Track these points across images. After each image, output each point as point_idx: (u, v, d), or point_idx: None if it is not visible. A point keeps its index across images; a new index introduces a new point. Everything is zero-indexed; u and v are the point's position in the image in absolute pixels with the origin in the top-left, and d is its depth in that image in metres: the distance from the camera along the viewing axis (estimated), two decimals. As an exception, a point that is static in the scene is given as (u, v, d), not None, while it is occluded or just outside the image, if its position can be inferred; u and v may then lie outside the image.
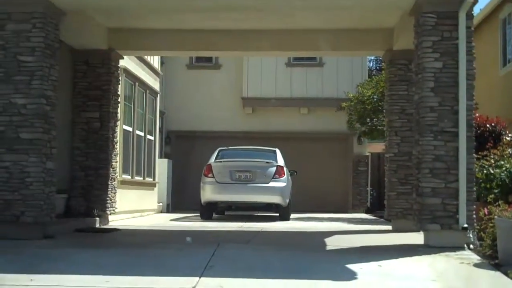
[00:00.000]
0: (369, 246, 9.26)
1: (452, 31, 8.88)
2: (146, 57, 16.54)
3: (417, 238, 9.52)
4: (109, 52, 12.41)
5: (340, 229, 12.71)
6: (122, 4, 10.49)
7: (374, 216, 18.80)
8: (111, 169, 12.41)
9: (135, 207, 15.56)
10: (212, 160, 15.91)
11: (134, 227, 12.56)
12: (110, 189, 12.37)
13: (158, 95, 18.31)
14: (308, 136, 22.53)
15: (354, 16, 11.61)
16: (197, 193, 15.93)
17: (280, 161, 15.93)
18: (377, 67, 32.52)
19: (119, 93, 12.95)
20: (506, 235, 7.00)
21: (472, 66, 8.93)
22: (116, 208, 12.73)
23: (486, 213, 8.37)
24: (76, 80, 12.39)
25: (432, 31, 8.93)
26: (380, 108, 16.63)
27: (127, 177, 14.87)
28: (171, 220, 15.28)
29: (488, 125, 12.62)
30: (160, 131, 20.14)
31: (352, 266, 6.79)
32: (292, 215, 16.33)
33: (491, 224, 7.96)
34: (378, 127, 17.31)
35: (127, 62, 14.46)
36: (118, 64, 12.91)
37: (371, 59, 33.06)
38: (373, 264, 7.01)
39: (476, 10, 18.24)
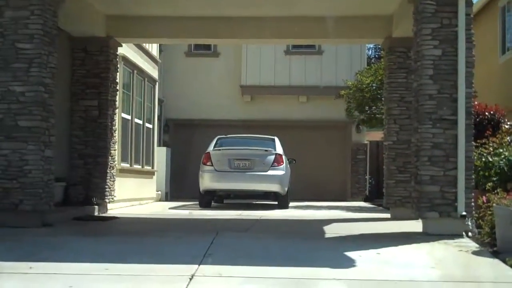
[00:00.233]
0: (368, 234, 9.27)
1: (452, 18, 8.85)
2: (144, 44, 16.50)
3: (415, 226, 9.54)
4: (107, 40, 12.39)
5: (339, 217, 12.73)
6: (121, -9, 10.47)
7: (373, 204, 18.82)
8: (109, 157, 12.41)
9: (134, 195, 15.57)
10: (210, 148, 15.90)
11: (133, 215, 12.58)
12: (108, 178, 12.38)
13: (157, 83, 18.28)
14: (307, 124, 22.52)
15: (353, 3, 11.59)
16: (196, 181, 15.94)
17: (279, 149, 15.93)
18: (376, 55, 32.48)
19: (117, 81, 12.93)
20: (505, 222, 7.01)
21: (472, 54, 8.91)
22: (114, 196, 12.74)
23: (485, 201, 8.38)
24: (74, 67, 12.38)
25: (431, 18, 8.90)
26: (379, 96, 16.62)
27: (125, 165, 14.87)
28: (169, 208, 15.30)
29: (487, 113, 12.61)
30: (159, 119, 20.12)
31: (351, 254, 6.80)
32: (291, 204, 16.35)
33: (489, 212, 7.97)
34: (377, 115, 17.30)
35: (126, 50, 14.43)
36: (117, 51, 12.89)
37: (370, 47, 33.03)
38: (371, 252, 7.03)
39: (476, -3, 18.23)
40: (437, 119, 8.81)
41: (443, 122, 8.80)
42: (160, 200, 18.68)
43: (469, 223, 8.65)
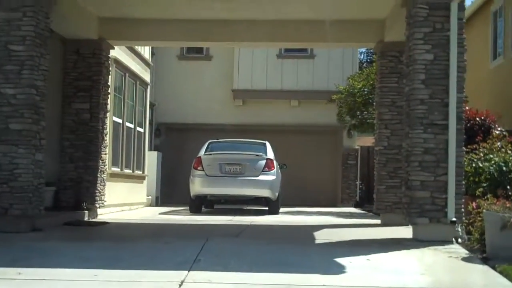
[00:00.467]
0: (358, 240, 9.27)
1: (444, 23, 8.85)
2: (136, 47, 16.46)
3: (406, 232, 9.53)
4: (100, 42, 12.35)
5: (329, 223, 12.72)
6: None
7: (363, 210, 18.82)
8: (100, 161, 12.36)
9: (124, 200, 15.51)
10: (201, 152, 15.87)
11: (123, 220, 12.52)
12: (99, 182, 12.32)
13: (149, 86, 18.24)
14: (298, 129, 22.52)
15: (346, 7, 11.62)
16: (187, 186, 15.90)
17: (270, 154, 15.91)
18: (368, 60, 32.53)
19: (109, 84, 12.89)
20: (494, 229, 7.01)
21: (463, 58, 8.92)
22: (105, 201, 12.68)
23: (475, 207, 8.38)
24: (66, 70, 12.32)
25: (423, 22, 8.90)
26: (370, 101, 16.64)
27: (116, 169, 14.82)
28: (160, 213, 15.25)
29: (477, 119, 12.65)
30: (150, 123, 20.06)
31: (341, 260, 6.80)
32: (282, 209, 16.33)
33: (479, 218, 7.97)
34: (368, 120, 17.31)
35: (118, 53, 14.39)
36: (109, 54, 12.85)
37: (362, 52, 33.08)
38: (362, 258, 7.02)
39: (468, 2, 18.31)
40: (428, 124, 8.81)
41: (434, 127, 8.80)
42: (150, 205, 18.62)
43: (459, 229, 8.66)
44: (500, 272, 6.16)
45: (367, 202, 20.44)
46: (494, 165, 9.79)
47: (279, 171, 16.17)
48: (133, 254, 7.32)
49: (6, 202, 8.77)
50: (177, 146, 22.33)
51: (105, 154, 12.69)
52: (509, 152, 10.32)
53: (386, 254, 7.48)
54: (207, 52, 23.21)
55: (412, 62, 9.01)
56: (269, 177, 15.37)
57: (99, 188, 12.31)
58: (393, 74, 12.14)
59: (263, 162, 15.46)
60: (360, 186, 22.44)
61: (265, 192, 15.32)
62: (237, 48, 21.53)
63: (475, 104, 13.87)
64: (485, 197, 8.46)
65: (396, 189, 11.58)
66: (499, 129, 12.52)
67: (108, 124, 13.02)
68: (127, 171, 15.76)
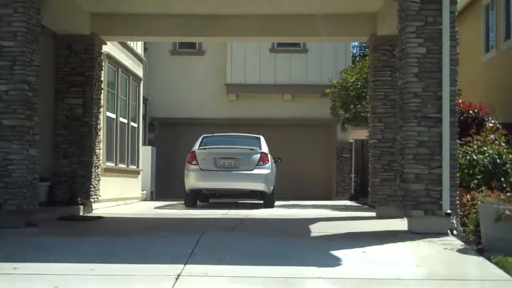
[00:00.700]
0: (354, 233, 9.29)
1: (436, 16, 8.86)
2: (129, 43, 16.44)
3: (401, 224, 9.57)
4: (92, 38, 12.32)
5: (324, 216, 12.75)
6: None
7: (358, 203, 18.87)
8: (94, 156, 12.35)
9: (119, 195, 15.51)
10: (196, 147, 15.87)
11: (118, 215, 12.53)
12: (93, 177, 12.32)
13: (142, 81, 18.22)
14: (292, 123, 22.53)
15: (338, 1, 11.63)
16: (181, 181, 15.90)
17: (264, 148, 15.93)
18: (361, 53, 32.53)
19: (102, 79, 12.87)
20: (489, 220, 7.04)
21: (456, 52, 8.93)
22: (99, 196, 12.68)
23: (469, 199, 8.41)
24: (58, 65, 12.30)
25: (416, 16, 8.91)
26: (364, 94, 16.65)
27: (110, 164, 14.81)
28: (155, 208, 15.25)
29: (471, 111, 12.67)
30: (144, 118, 20.05)
31: (337, 253, 6.81)
32: (277, 202, 16.36)
33: (474, 210, 8.00)
34: (362, 113, 17.32)
35: (110, 48, 14.36)
36: (101, 49, 12.82)
37: (354, 45, 33.03)
38: (357, 250, 7.04)
39: (460, -4, 18.27)
40: (422, 117, 8.82)
41: (428, 120, 8.82)
42: (145, 200, 18.62)
43: (454, 221, 8.69)
44: (496, 263, 6.19)
45: (362, 195, 20.50)
46: (488, 158, 9.83)
47: (274, 165, 16.19)
48: (129, 248, 7.32)
49: (0, 197, 8.75)
50: (171, 140, 22.32)
51: (99, 149, 12.68)
52: (503, 144, 10.36)
53: (382, 246, 7.50)
54: (200, 47, 23.19)
55: (404, 56, 9.02)
56: (264, 170, 15.38)
57: (93, 183, 12.31)
58: (386, 67, 12.16)
59: (258, 156, 15.48)
60: (355, 179, 22.49)
61: (260, 186, 15.34)
62: (230, 42, 21.51)
63: (468, 97, 13.89)
64: (480, 189, 8.50)
65: (391, 182, 11.61)
66: (492, 121, 12.55)
67: (101, 119, 13.01)
68: (121, 165, 15.75)
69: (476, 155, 10.04)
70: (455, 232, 8.56)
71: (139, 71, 17.79)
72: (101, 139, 12.99)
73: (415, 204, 8.71)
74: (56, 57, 12.30)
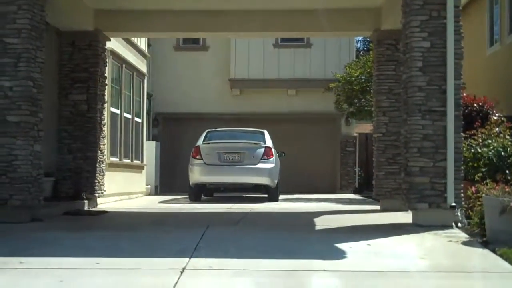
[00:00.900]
0: (358, 226, 9.30)
1: (440, 10, 8.86)
2: (133, 39, 16.44)
3: (405, 217, 9.58)
4: (96, 34, 12.33)
5: (329, 209, 12.76)
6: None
7: (362, 196, 18.87)
8: (99, 151, 12.37)
9: (123, 189, 15.54)
10: (200, 141, 15.88)
11: (123, 209, 12.56)
12: (98, 172, 12.34)
13: (146, 77, 18.23)
14: (296, 118, 22.52)
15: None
16: (185, 175, 15.92)
17: (268, 142, 15.93)
18: (365, 48, 32.48)
19: (106, 75, 12.88)
20: (494, 213, 7.04)
21: (460, 46, 8.92)
22: (104, 190, 12.71)
23: (474, 191, 8.41)
24: (62, 62, 12.31)
25: (420, 10, 8.90)
26: (368, 88, 16.63)
27: (115, 159, 14.83)
28: (159, 202, 15.27)
29: (475, 105, 12.64)
30: (148, 114, 20.08)
31: (341, 246, 6.82)
32: (281, 196, 16.37)
33: (478, 203, 8.00)
34: (366, 107, 17.31)
35: (114, 44, 14.37)
36: (105, 46, 12.84)
37: (358, 40, 33.00)
38: (362, 243, 7.05)
39: (463, -11, 18.23)
40: (426, 111, 8.83)
41: (432, 113, 8.82)
42: (149, 194, 18.65)
43: (459, 214, 8.69)
44: (500, 255, 6.19)
45: (366, 188, 20.48)
46: (492, 151, 9.82)
47: (278, 159, 16.20)
48: (134, 243, 7.34)
49: (5, 193, 8.79)
50: (175, 135, 22.34)
51: (104, 144, 12.71)
52: (508, 137, 10.35)
53: (386, 239, 7.51)
54: (204, 43, 23.18)
55: (409, 50, 9.01)
56: (268, 165, 15.39)
57: (98, 178, 12.33)
58: (390, 62, 12.14)
59: (262, 150, 15.48)
60: (359, 173, 22.48)
61: (264, 180, 15.36)
62: (233, 38, 21.51)
63: (472, 91, 13.86)
64: (484, 182, 8.48)
65: (395, 175, 11.61)
66: (497, 115, 12.53)
67: (106, 115, 13.02)
68: (125, 161, 15.77)
69: (480, 148, 10.03)
70: (459, 224, 8.57)
71: (143, 67, 17.80)
72: (106, 134, 13.01)
73: (420, 197, 8.72)
74: (60, 54, 12.31)
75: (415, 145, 8.82)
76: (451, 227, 8.41)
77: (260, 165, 15.30)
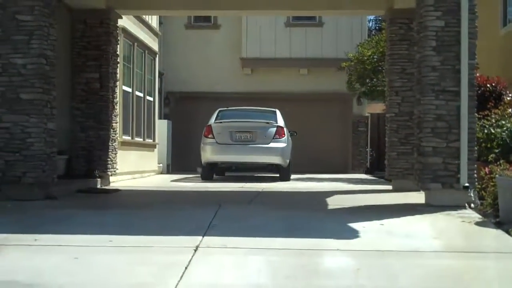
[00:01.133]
0: (371, 206, 9.30)
1: (455, -11, 8.78)
2: (144, 17, 16.40)
3: (418, 197, 9.57)
4: (107, 11, 12.30)
5: (341, 189, 12.76)
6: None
7: (374, 176, 18.85)
8: (111, 130, 12.39)
9: (136, 168, 15.59)
10: (212, 121, 15.88)
11: (135, 187, 12.60)
12: (110, 150, 12.37)
13: (157, 55, 18.21)
14: (308, 97, 22.47)
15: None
16: (197, 154, 15.95)
17: (280, 121, 15.91)
18: (377, 27, 32.27)
19: (118, 53, 12.87)
20: (507, 193, 7.02)
21: (474, 25, 8.85)
22: (117, 169, 12.75)
23: (487, 172, 8.39)
24: (74, 40, 12.30)
25: (434, -12, 8.83)
26: (380, 68, 16.54)
27: (127, 138, 14.87)
28: (171, 180, 15.32)
29: (488, 85, 12.57)
30: (159, 92, 20.08)
31: (354, 225, 6.83)
32: (292, 176, 16.37)
33: (492, 183, 7.99)
34: (378, 87, 17.23)
35: (126, 22, 14.35)
36: (117, 23, 12.80)
37: (370, 19, 32.81)
38: (375, 223, 7.05)
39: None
40: (440, 91, 8.77)
41: (446, 93, 8.76)
42: (161, 173, 18.71)
43: (472, 194, 8.67)
44: (513, 236, 6.20)
45: (377, 168, 20.46)
46: (506, 131, 9.78)
47: (290, 138, 16.18)
48: (147, 220, 7.37)
49: (19, 170, 8.84)
50: (186, 114, 22.35)
51: (116, 123, 12.72)
52: (521, 118, 10.30)
53: (399, 219, 7.50)
54: (215, 21, 23.09)
55: (423, 29, 8.94)
56: (280, 144, 15.38)
57: (110, 156, 12.37)
58: (403, 41, 12.06)
59: (274, 129, 15.47)
60: (371, 153, 22.45)
61: (276, 159, 15.36)
62: (245, 16, 21.42)
63: (485, 71, 13.76)
64: (498, 162, 8.46)
65: (408, 156, 11.58)
66: (510, 95, 12.46)
67: (118, 93, 13.02)
68: (138, 139, 15.81)
69: (494, 129, 9.99)
70: (472, 205, 8.55)
71: (154, 45, 17.77)
72: (118, 113, 13.02)
73: (433, 178, 8.69)
74: (73, 31, 12.30)
75: (428, 125, 8.78)
76: (464, 207, 8.39)
77: (272, 145, 15.29)
